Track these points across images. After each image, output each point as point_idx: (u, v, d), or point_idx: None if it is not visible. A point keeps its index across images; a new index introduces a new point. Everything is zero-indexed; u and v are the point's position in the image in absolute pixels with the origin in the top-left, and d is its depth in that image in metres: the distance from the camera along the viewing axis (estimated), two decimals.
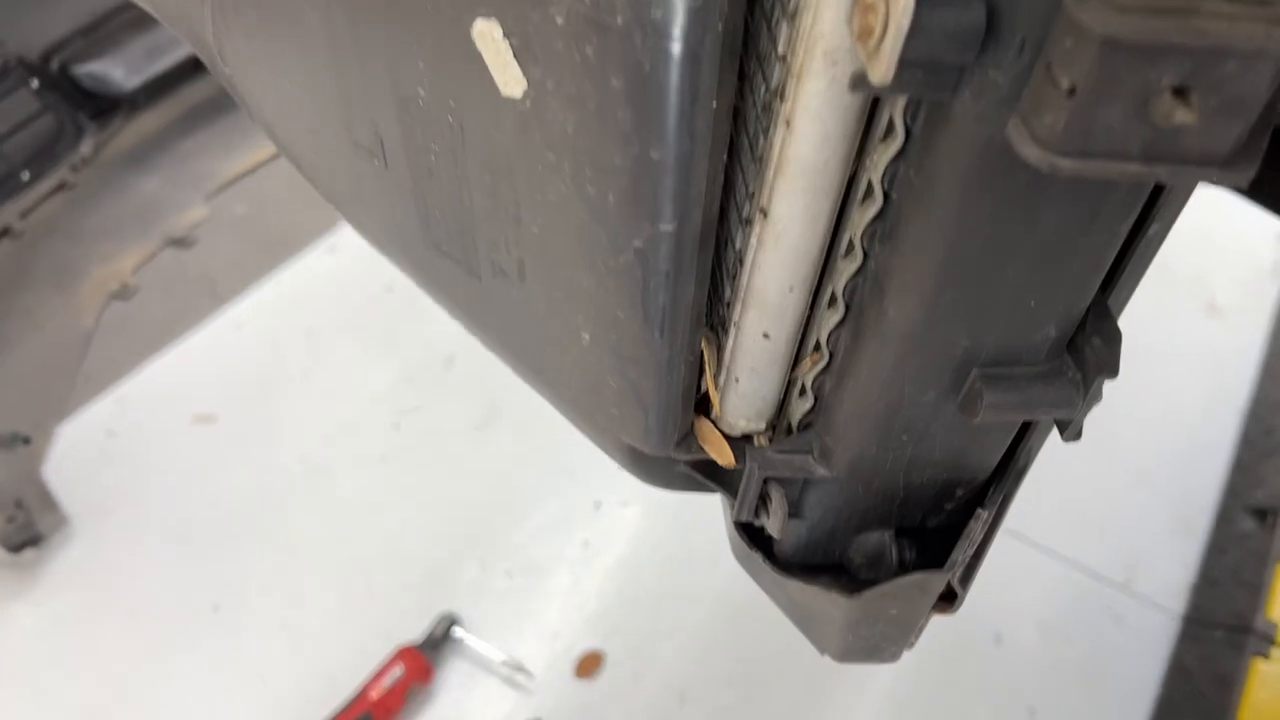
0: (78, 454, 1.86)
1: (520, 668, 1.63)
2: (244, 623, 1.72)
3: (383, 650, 1.66)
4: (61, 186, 2.19)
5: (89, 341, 2.02)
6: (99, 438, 1.91)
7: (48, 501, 1.76)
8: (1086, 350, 0.43)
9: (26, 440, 1.54)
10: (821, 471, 0.49)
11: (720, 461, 0.50)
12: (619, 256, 0.43)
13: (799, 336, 0.47)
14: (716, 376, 0.48)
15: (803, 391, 0.49)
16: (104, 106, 1.95)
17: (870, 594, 0.49)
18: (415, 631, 1.68)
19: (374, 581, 1.77)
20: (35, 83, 2.10)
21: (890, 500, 0.50)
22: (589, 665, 1.66)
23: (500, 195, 0.46)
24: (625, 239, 0.42)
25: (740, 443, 0.51)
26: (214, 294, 2.15)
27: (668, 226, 0.41)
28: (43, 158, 2.16)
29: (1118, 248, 0.40)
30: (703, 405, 0.51)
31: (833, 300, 0.45)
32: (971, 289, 0.40)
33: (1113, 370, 0.43)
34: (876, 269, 0.42)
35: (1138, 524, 1.98)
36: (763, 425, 0.50)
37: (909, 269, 0.40)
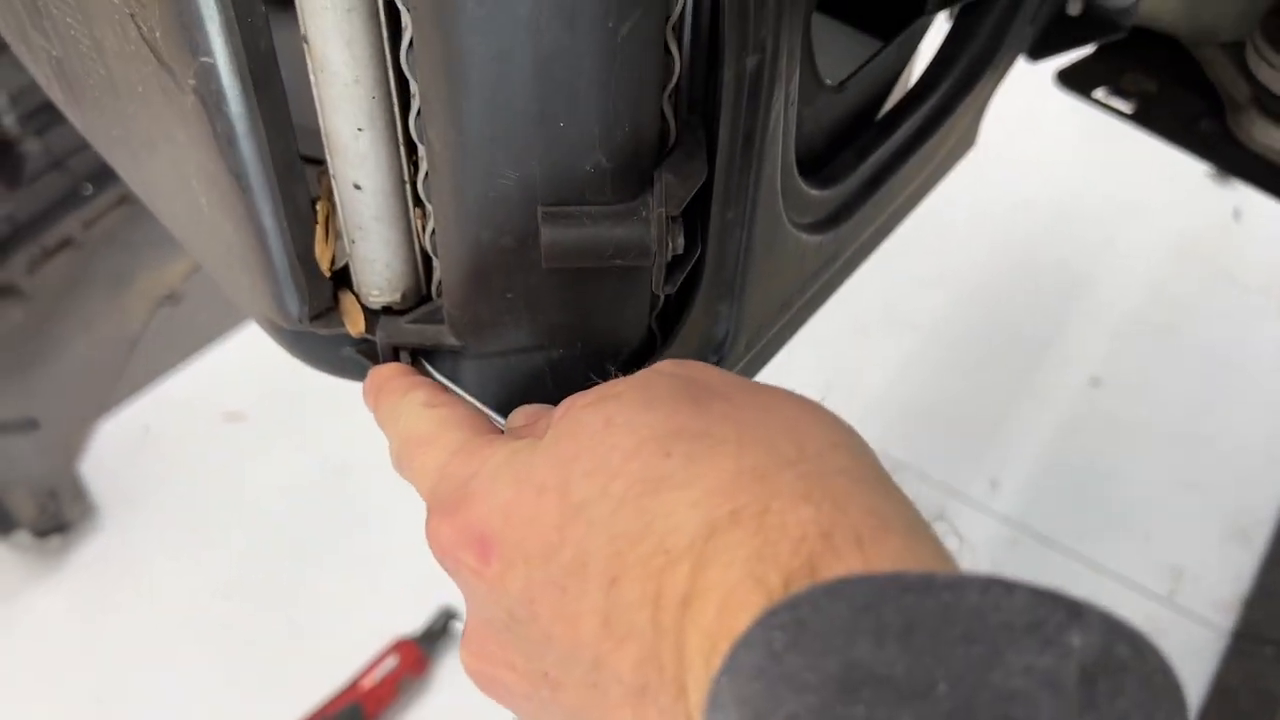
0: (114, 448, 1.95)
1: None
2: (251, 612, 1.75)
3: (383, 644, 1.67)
4: (123, 200, 2.31)
5: (135, 345, 2.12)
6: (136, 433, 1.99)
7: (78, 491, 1.84)
8: (658, 187, 0.40)
9: (35, 424, 1.61)
10: (451, 341, 0.47)
11: (352, 331, 0.49)
12: (185, 99, 0.42)
13: (402, 189, 0.45)
14: (335, 236, 0.47)
15: (430, 257, 0.47)
16: None
17: None
18: (416, 626, 1.68)
19: (380, 577, 1.78)
20: None
21: (540, 377, 0.48)
22: None
23: (107, 57, 0.46)
24: (183, 77, 0.41)
25: (381, 316, 0.49)
26: None
27: (208, 59, 0.40)
28: (106, 173, 2.27)
29: (648, 60, 0.37)
30: (349, 280, 0.49)
31: (412, 145, 0.43)
32: (487, 107, 0.37)
33: (674, 205, 0.40)
34: (421, 97, 0.40)
35: (1187, 533, 1.85)
36: (398, 296, 0.48)
37: (433, 90, 0.38)
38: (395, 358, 0.48)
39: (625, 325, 0.47)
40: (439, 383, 0.49)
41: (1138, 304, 2.23)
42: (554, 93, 0.37)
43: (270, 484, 1.90)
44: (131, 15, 0.42)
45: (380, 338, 0.48)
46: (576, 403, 0.41)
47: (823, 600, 0.28)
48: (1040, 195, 2.41)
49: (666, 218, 0.40)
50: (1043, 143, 2.47)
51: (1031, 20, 0.69)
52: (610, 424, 0.36)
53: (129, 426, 2.00)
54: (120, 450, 1.95)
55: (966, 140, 0.70)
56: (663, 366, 0.40)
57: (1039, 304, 2.22)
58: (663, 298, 0.48)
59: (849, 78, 0.55)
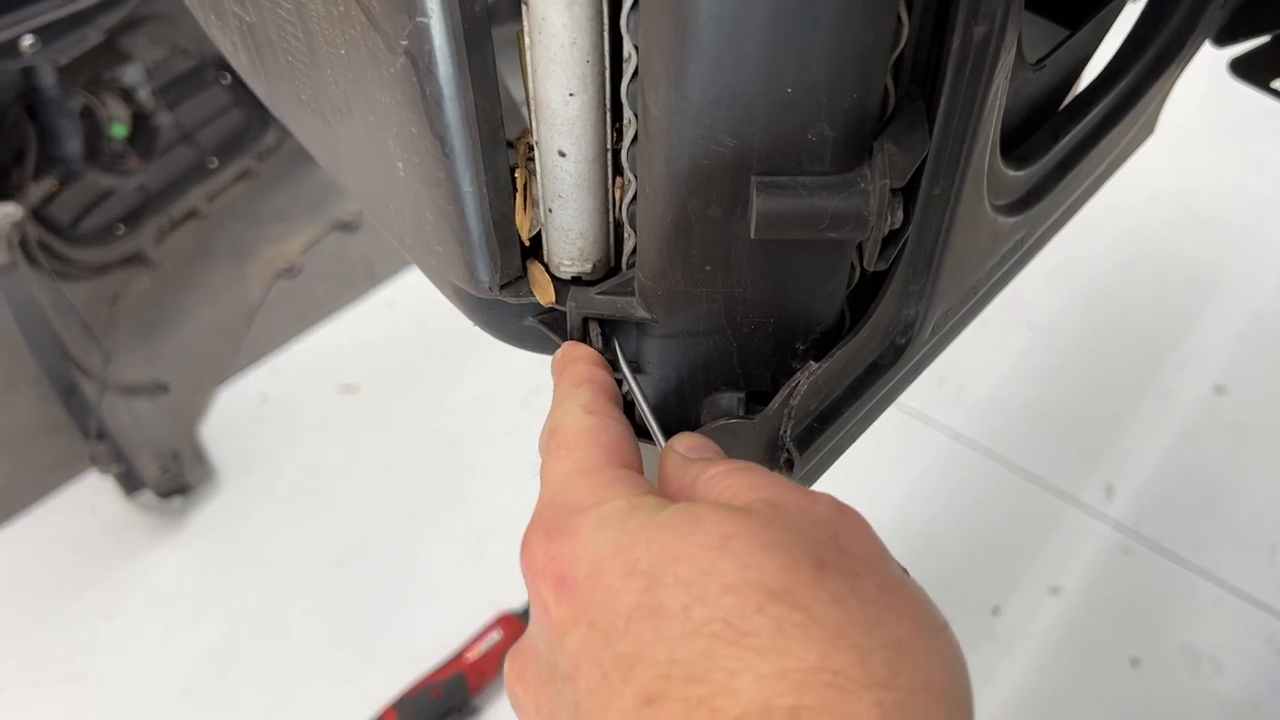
0: (233, 415, 2.00)
1: None
2: (362, 580, 1.79)
3: (488, 616, 1.69)
4: (245, 174, 2.37)
5: (254, 314, 2.18)
6: (253, 401, 2.04)
7: (199, 455, 1.89)
8: (879, 158, 0.39)
9: (165, 388, 1.66)
10: (642, 313, 0.46)
11: (542, 301, 0.48)
12: (396, 61, 0.42)
13: (604, 158, 0.45)
14: (532, 204, 0.47)
15: (626, 227, 0.46)
16: None
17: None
18: (520, 600, 1.70)
19: (488, 550, 1.80)
20: (227, 78, 2.29)
21: (726, 353, 0.47)
22: None
23: (308, 20, 0.46)
24: (394, 39, 0.41)
25: (570, 286, 0.49)
26: (371, 274, 2.27)
27: (423, 18, 0.40)
28: (230, 147, 2.34)
29: (882, 24, 0.36)
30: (538, 249, 0.49)
31: (620, 110, 0.42)
32: (715, 69, 0.36)
33: (898, 176, 0.38)
34: (640, 62, 0.39)
35: None
36: (589, 267, 0.48)
37: (655, 51, 0.38)
38: (584, 329, 0.48)
39: (821, 303, 0.46)
40: (618, 377, 0.48)
41: (1266, 308, 2.14)
42: (785, 55, 0.36)
43: (382, 456, 1.93)
44: None
45: (570, 308, 0.47)
46: (715, 485, 0.40)
47: None
48: (1168, 190, 2.32)
49: (889, 189, 0.39)
50: (1173, 136, 2.38)
51: (1224, 4, 0.66)
52: (725, 544, 0.35)
53: (247, 395, 2.05)
54: (238, 417, 2.00)
55: (1148, 127, 0.67)
56: (821, 503, 0.39)
57: (1162, 304, 2.15)
58: (858, 275, 0.47)
59: (1047, 55, 0.53)
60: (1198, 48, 0.67)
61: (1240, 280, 2.18)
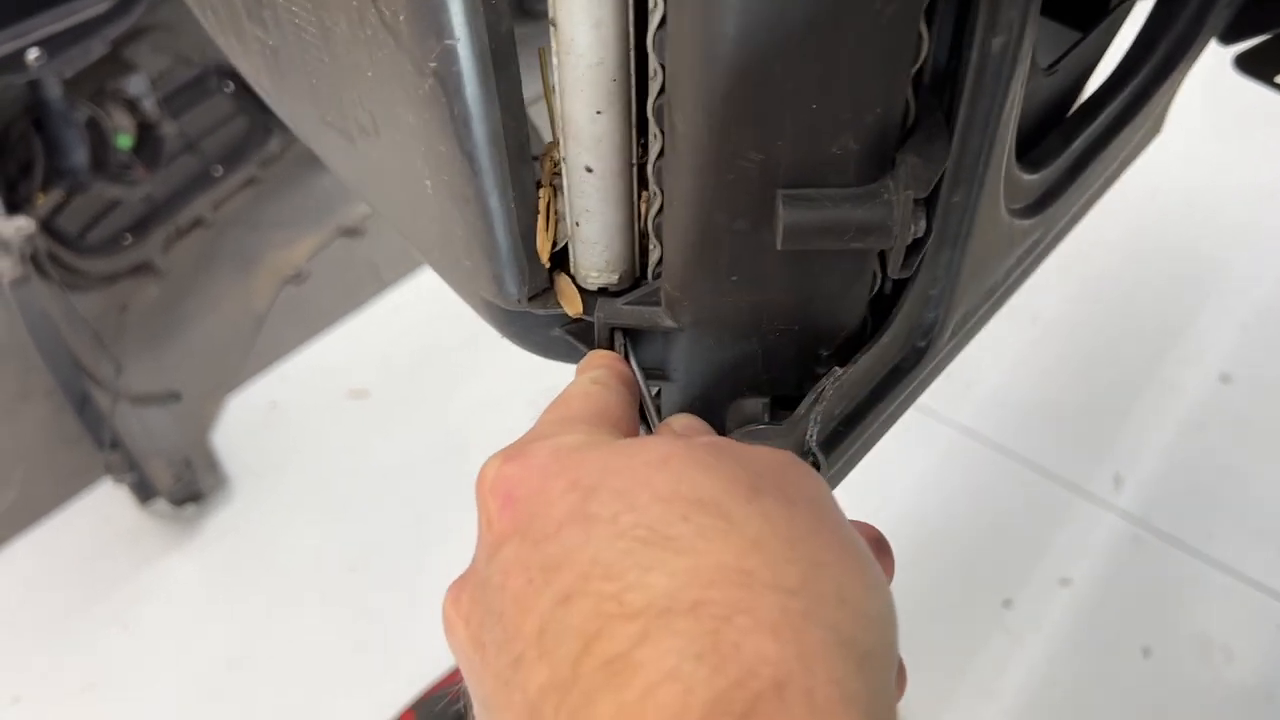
0: (243, 422, 2.01)
1: None
2: (375, 583, 1.80)
3: None
4: (250, 181, 2.38)
5: (262, 322, 2.18)
6: (263, 408, 2.05)
7: (211, 463, 1.90)
8: (902, 169, 0.40)
9: (176, 397, 1.67)
10: (668, 322, 0.47)
11: (570, 312, 0.49)
12: (424, 83, 0.43)
13: (629, 172, 0.45)
14: (556, 222, 0.47)
15: (651, 238, 0.47)
16: None
17: None
18: None
19: None
20: (230, 86, 2.29)
21: (751, 360, 0.48)
22: None
23: (334, 43, 0.47)
24: (423, 61, 0.42)
25: (596, 297, 0.50)
26: (378, 279, 2.28)
27: (451, 40, 0.41)
28: (235, 155, 2.34)
29: (904, 40, 0.37)
30: (564, 260, 0.50)
31: (645, 125, 0.43)
32: (741, 90, 0.37)
33: (920, 187, 0.39)
34: (666, 80, 0.40)
35: None
36: (615, 278, 0.49)
37: (682, 71, 0.38)
38: (611, 338, 0.49)
39: (845, 309, 0.47)
40: (632, 374, 0.49)
41: (1270, 298, 2.15)
42: (810, 74, 0.37)
43: (392, 460, 1.94)
44: (373, 1, 0.43)
45: (598, 319, 0.48)
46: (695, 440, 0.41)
47: None
48: (1171, 183, 2.33)
49: (911, 200, 0.39)
50: (1173, 129, 2.38)
51: (1230, 2, 0.67)
52: (664, 462, 0.36)
53: (257, 401, 2.06)
54: (248, 424, 2.01)
55: (1156, 126, 0.68)
56: (778, 454, 0.40)
57: (1167, 295, 2.16)
58: (880, 282, 0.48)
59: (1058, 60, 0.54)
60: (1204, 46, 0.68)
61: (1244, 271, 2.19)
